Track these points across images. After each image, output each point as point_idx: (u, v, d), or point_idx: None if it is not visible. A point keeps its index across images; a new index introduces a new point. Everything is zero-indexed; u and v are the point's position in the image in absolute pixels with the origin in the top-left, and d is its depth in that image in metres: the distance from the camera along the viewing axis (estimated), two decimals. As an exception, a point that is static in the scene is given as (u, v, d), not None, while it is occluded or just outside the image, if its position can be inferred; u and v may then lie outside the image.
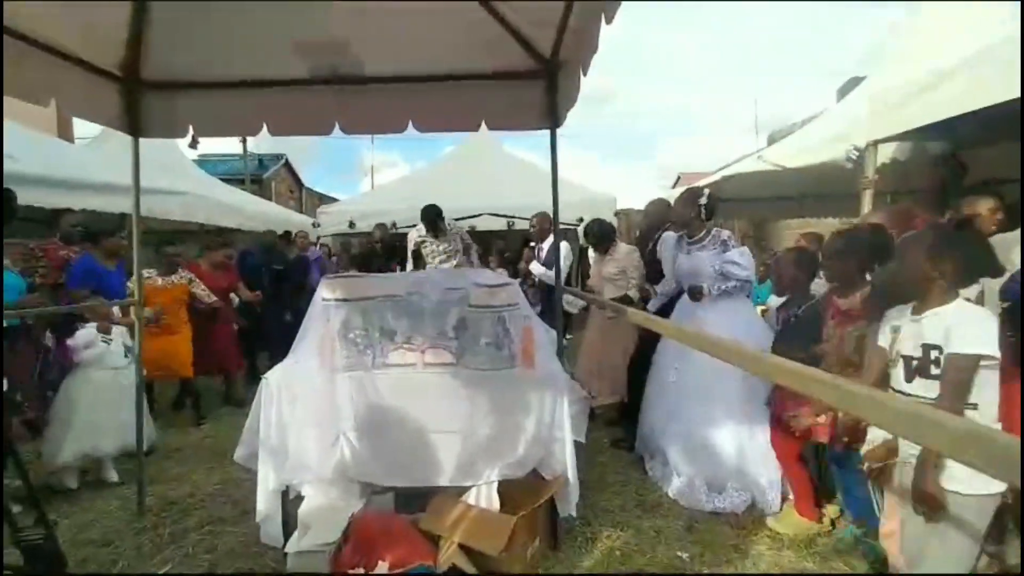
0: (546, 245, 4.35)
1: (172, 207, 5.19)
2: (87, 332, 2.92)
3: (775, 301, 3.06)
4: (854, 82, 6.35)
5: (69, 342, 2.90)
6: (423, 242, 4.50)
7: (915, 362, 1.50)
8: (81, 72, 2.20)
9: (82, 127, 9.49)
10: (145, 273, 4.00)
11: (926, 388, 1.47)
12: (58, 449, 2.75)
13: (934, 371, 1.45)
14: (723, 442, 2.64)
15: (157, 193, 4.72)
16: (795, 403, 2.16)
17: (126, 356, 3.01)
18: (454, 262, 4.46)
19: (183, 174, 6.38)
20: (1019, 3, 2.00)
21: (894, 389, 1.57)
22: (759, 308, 4.83)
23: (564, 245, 4.57)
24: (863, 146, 2.74)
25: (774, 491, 2.54)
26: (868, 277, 2.07)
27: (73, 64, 2.15)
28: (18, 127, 4.27)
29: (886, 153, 3.20)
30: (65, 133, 8.64)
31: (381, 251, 5.55)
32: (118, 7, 2.09)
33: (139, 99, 2.43)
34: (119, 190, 4.02)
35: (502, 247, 6.61)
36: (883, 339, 1.64)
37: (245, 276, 4.79)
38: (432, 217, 4.34)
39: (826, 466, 2.42)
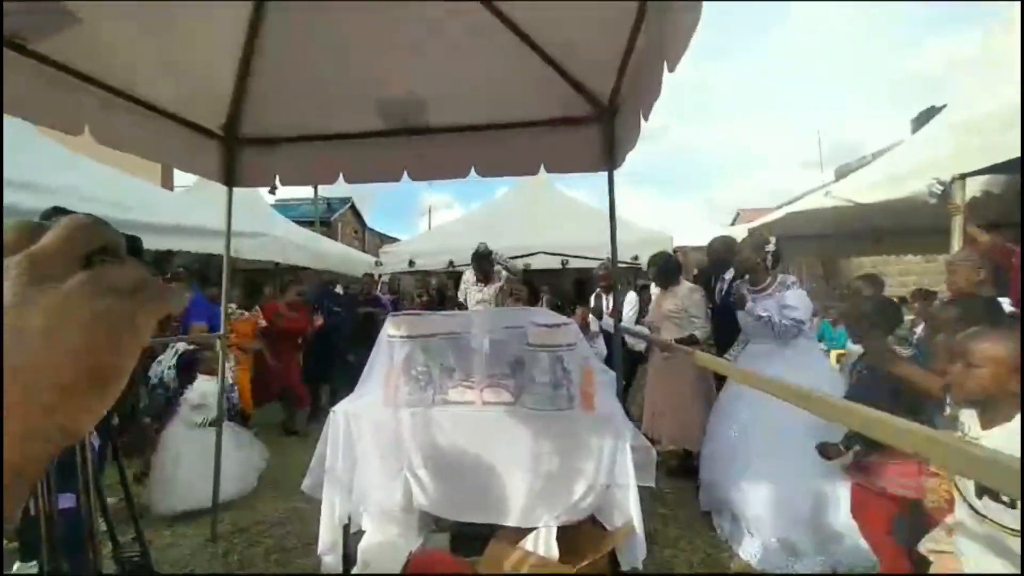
0: (611, 298, 4.29)
1: (254, 248, 5.66)
2: (202, 389, 3.08)
3: (856, 348, 2.84)
4: (931, 112, 6.01)
5: (187, 394, 3.09)
6: (468, 284, 4.43)
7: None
8: (188, 132, 2.52)
9: (180, 175, 10.71)
10: (232, 308, 4.38)
11: (997, 513, 1.29)
12: (160, 501, 2.92)
13: (1004, 496, 1.26)
14: (799, 501, 2.43)
15: (243, 236, 5.17)
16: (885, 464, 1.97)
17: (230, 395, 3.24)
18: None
19: (264, 218, 6.97)
20: (1019, 3, 1.86)
21: (965, 500, 1.39)
22: (835, 352, 4.50)
23: (631, 295, 4.51)
24: (948, 179, 2.57)
25: (859, 555, 2.28)
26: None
27: (182, 125, 2.47)
28: (127, 176, 4.90)
29: (975, 186, 2.97)
30: (167, 182, 9.76)
31: (434, 297, 5.58)
32: (223, 75, 2.39)
33: (235, 154, 2.72)
34: (210, 233, 4.46)
35: (549, 290, 6.50)
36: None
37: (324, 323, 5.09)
38: (477, 259, 4.19)
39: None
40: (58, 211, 1.46)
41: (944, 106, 4.26)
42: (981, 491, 1.32)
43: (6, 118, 1.64)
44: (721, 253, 3.57)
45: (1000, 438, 1.30)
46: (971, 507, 1.38)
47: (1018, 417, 1.29)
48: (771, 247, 2.82)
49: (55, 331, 0.23)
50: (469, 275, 4.53)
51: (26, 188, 3.18)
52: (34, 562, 0.94)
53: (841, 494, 2.30)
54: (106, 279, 0.25)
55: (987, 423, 1.36)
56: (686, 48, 1.08)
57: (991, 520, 1.31)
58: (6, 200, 2.91)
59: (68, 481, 1.02)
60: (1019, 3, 1.87)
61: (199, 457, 2.89)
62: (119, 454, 1.23)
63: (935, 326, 1.96)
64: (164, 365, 3.40)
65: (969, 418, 1.43)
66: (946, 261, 2.30)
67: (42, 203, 2.90)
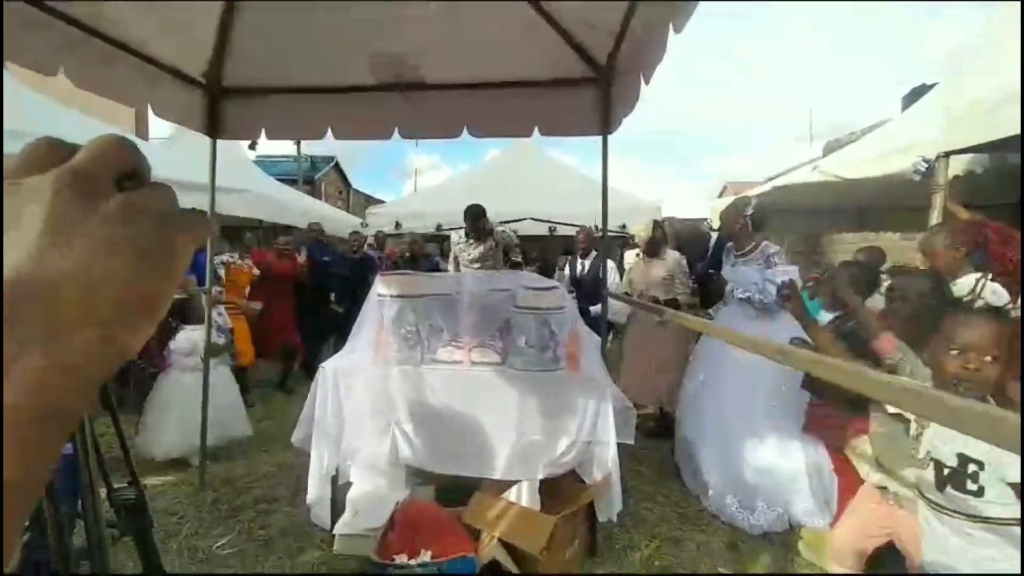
0: (588, 261, 4.35)
1: (236, 204, 5.51)
2: (187, 338, 3.06)
3: (826, 317, 2.95)
4: (921, 90, 6.03)
5: (171, 345, 3.06)
6: (459, 245, 4.39)
7: (947, 470, 1.33)
8: (170, 79, 2.41)
9: (156, 128, 10.26)
10: (228, 257, 4.31)
11: (959, 503, 1.31)
12: (151, 447, 2.94)
13: (970, 486, 1.28)
14: (754, 457, 2.58)
15: (225, 192, 5.03)
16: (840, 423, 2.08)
17: (221, 341, 3.21)
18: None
19: (245, 174, 6.76)
20: (1019, 3, 1.88)
21: (922, 493, 1.42)
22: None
23: (610, 264, 4.54)
24: (933, 157, 2.61)
25: (818, 515, 2.44)
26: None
27: (164, 72, 2.36)
28: (101, 124, 4.68)
29: (959, 165, 3.03)
30: (142, 132, 9.35)
31: (407, 261, 5.49)
32: (206, 21, 2.27)
33: (219, 104, 2.62)
34: (193, 187, 4.33)
35: (536, 256, 6.52)
36: (911, 429, 1.47)
37: (313, 272, 5.04)
38: (472, 217, 4.19)
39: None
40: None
41: (935, 84, 4.27)
42: (943, 482, 1.32)
43: None
44: (690, 239, 3.67)
45: None
46: (931, 502, 1.37)
47: None
48: (750, 210, 2.87)
49: (106, 252, 0.22)
50: (457, 236, 4.49)
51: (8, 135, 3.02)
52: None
53: (799, 448, 2.44)
54: (143, 203, 0.24)
55: None
56: (693, 9, 1.07)
57: (958, 513, 1.30)
58: None
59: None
60: (1019, 3, 1.87)
61: (191, 403, 2.90)
62: (111, 396, 1.24)
63: (890, 298, 2.00)
64: None
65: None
66: (922, 241, 2.36)
67: (8, 148, 2.76)
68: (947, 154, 2.52)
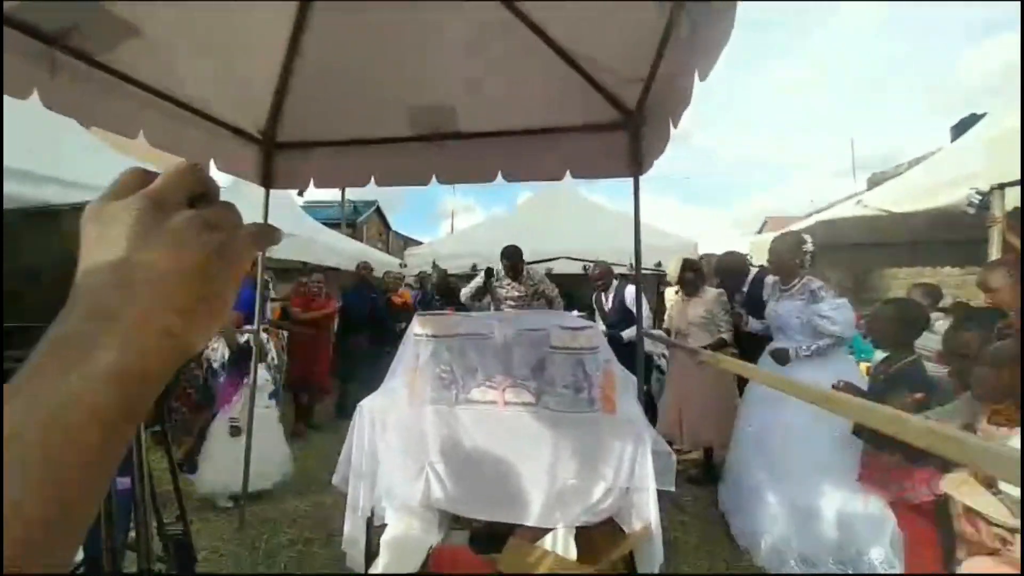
0: (610, 294, 4.27)
1: (283, 247, 5.83)
2: (265, 379, 3.14)
3: (879, 356, 2.79)
4: (970, 121, 5.82)
5: (247, 380, 3.06)
6: (498, 282, 4.35)
7: None
8: (231, 136, 2.64)
9: (215, 176, 11.07)
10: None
11: None
12: (210, 488, 3.05)
13: None
14: (819, 509, 2.39)
15: (275, 235, 5.34)
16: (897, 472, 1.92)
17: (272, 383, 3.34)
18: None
19: (293, 219, 7.17)
20: (1019, 3, 1.80)
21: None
22: (863, 365, 4.38)
23: (630, 290, 4.44)
24: (986, 189, 2.50)
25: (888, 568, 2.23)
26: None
27: (226, 130, 2.59)
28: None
29: (1015, 196, 2.88)
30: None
31: (434, 294, 5.21)
32: (264, 83, 2.51)
33: (272, 157, 2.84)
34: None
35: (567, 292, 6.43)
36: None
37: (351, 311, 5.20)
38: (512, 258, 4.20)
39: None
40: None
41: (984, 114, 4.13)
42: None
43: (10, 106, 1.65)
44: (730, 271, 3.57)
45: None
46: None
47: None
48: (808, 247, 2.78)
49: (173, 260, 0.26)
50: (500, 271, 4.41)
51: (53, 182, 3.13)
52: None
53: (860, 503, 2.26)
54: (210, 218, 0.28)
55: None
56: (718, 56, 1.10)
57: None
58: (35, 195, 2.91)
59: (125, 464, 1.10)
60: (1019, 3, 1.82)
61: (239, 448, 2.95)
62: (168, 437, 1.31)
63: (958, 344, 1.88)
64: (219, 352, 3.49)
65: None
66: (980, 276, 2.23)
67: (69, 196, 2.94)
68: (1001, 186, 2.41)
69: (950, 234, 3.72)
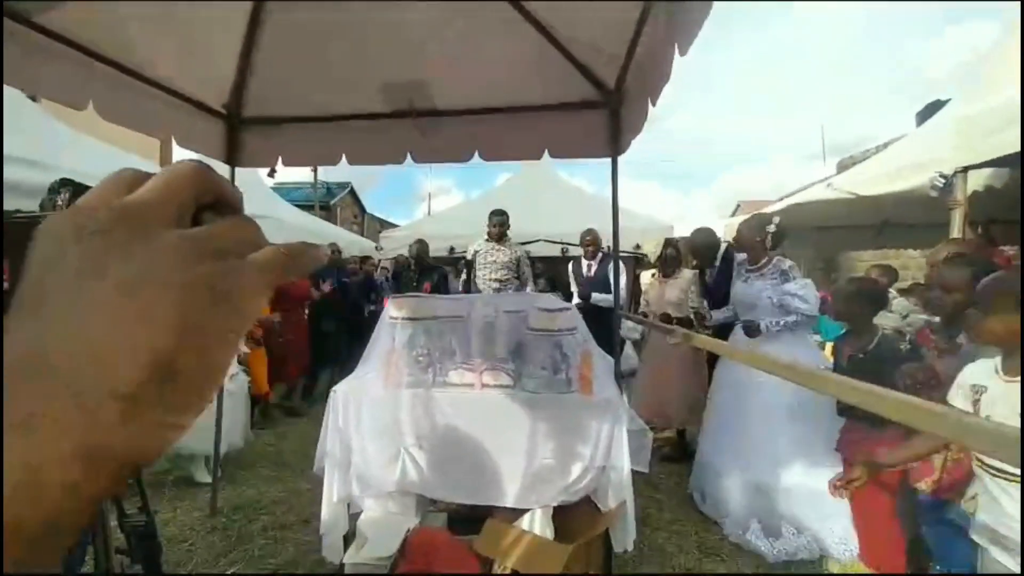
0: (594, 263, 4.17)
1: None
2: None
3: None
4: (935, 106, 5.98)
5: None
6: (479, 251, 4.24)
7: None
8: (193, 110, 2.50)
9: (178, 155, 10.62)
10: None
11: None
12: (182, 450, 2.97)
13: None
14: (779, 481, 2.49)
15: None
16: (873, 443, 2.00)
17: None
18: (506, 277, 4.12)
19: (263, 200, 6.93)
20: (1019, 3, 1.85)
21: (979, 460, 1.38)
22: (829, 344, 4.53)
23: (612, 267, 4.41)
24: (950, 173, 2.57)
25: (848, 542, 2.34)
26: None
27: (187, 103, 2.45)
28: (125, 154, 4.87)
29: (977, 181, 2.98)
30: (166, 161, 9.69)
31: (415, 269, 4.94)
32: (227, 53, 2.37)
33: (238, 133, 2.71)
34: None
35: (541, 271, 6.39)
36: (960, 399, 1.44)
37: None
38: (502, 217, 4.18)
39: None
40: (66, 183, 1.44)
41: (948, 101, 4.24)
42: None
43: (8, 95, 1.62)
44: (703, 245, 3.61)
45: None
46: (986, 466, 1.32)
47: None
48: (772, 227, 2.83)
49: (127, 312, 0.17)
50: (478, 244, 4.30)
51: (33, 166, 3.16)
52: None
53: (829, 472, 2.35)
54: (210, 240, 0.19)
55: (1012, 370, 1.33)
56: (699, 31, 1.08)
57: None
58: (13, 176, 2.89)
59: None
60: (1019, 3, 1.86)
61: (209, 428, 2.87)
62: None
63: (946, 287, 1.91)
64: None
65: (984, 375, 1.40)
66: (931, 264, 2.30)
67: (48, 180, 2.90)
68: (964, 169, 2.48)
69: (915, 217, 3.84)
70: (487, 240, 4.21)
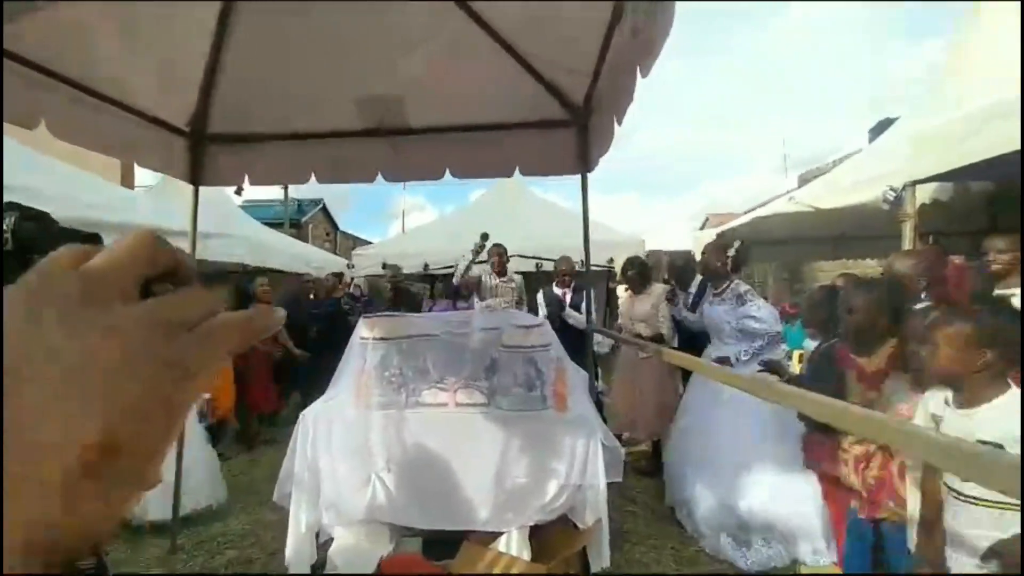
0: (569, 291, 4.12)
1: (221, 249, 5.48)
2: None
3: (811, 345, 2.97)
4: (886, 123, 6.33)
5: None
6: (483, 282, 4.20)
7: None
8: (152, 127, 2.42)
9: (142, 174, 10.29)
10: None
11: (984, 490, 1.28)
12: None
13: None
14: (748, 493, 2.53)
15: (209, 237, 5.00)
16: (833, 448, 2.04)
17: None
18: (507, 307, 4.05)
19: (230, 218, 6.75)
20: (1019, 3, 1.98)
21: (948, 487, 1.38)
22: (796, 352, 4.66)
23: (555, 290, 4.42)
24: (900, 186, 2.70)
25: (819, 546, 2.37)
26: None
27: (147, 121, 2.38)
28: (86, 174, 4.68)
29: (926, 194, 3.14)
30: (128, 181, 9.36)
31: (390, 296, 4.96)
32: (191, 70, 2.32)
33: (202, 151, 2.64)
34: (173, 233, 4.29)
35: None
36: (922, 423, 1.46)
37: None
38: (501, 252, 4.19)
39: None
40: (11, 207, 1.37)
41: (897, 119, 4.49)
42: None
43: None
44: (681, 270, 3.73)
45: (990, 415, 1.30)
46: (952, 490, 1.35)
47: (1009, 392, 1.31)
48: (732, 252, 2.92)
49: (76, 386, 0.17)
50: (479, 271, 4.24)
51: None
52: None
53: (797, 481, 2.39)
54: (164, 311, 0.19)
55: (969, 401, 1.36)
56: (659, 53, 1.11)
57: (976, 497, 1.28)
58: None
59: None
60: (1019, 3, 1.97)
61: (168, 466, 2.75)
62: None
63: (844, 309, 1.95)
64: None
65: (937, 406, 1.44)
66: (886, 270, 2.39)
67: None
68: (914, 183, 2.61)
69: (871, 229, 4.01)
70: (490, 274, 4.21)
